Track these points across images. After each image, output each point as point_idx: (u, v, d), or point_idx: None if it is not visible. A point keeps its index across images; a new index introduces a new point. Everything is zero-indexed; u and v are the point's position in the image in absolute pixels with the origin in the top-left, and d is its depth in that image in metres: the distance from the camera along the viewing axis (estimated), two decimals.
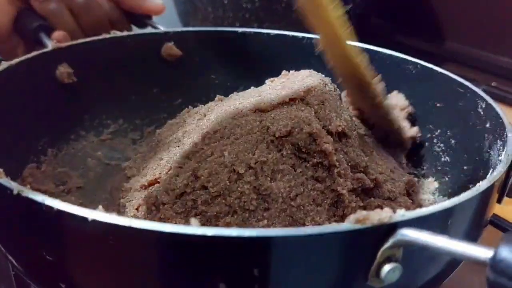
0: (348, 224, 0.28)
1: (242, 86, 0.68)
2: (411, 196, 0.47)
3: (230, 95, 0.54)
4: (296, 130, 0.42)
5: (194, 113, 0.51)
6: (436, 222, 0.31)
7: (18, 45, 0.64)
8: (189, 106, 0.56)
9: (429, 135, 0.57)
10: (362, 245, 0.29)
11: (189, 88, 0.67)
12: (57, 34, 0.60)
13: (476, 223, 0.36)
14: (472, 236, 0.37)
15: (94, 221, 0.28)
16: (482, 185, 0.33)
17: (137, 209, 0.42)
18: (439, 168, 0.55)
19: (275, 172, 0.40)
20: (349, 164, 0.43)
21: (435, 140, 0.56)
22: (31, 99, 0.54)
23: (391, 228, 0.28)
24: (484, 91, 0.89)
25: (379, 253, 0.29)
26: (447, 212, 0.31)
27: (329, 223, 0.39)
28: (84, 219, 0.28)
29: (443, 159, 0.54)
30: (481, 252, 0.26)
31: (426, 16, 1.05)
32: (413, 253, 0.30)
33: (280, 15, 0.85)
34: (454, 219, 0.32)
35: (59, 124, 0.57)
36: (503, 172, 0.36)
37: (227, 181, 0.39)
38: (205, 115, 0.48)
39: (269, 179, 0.39)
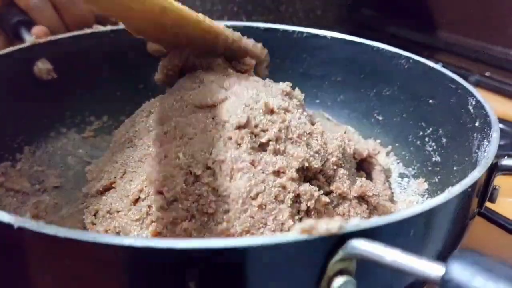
0: (293, 235, 0.26)
1: None
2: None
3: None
4: (254, 107, 0.41)
5: (141, 110, 0.50)
6: (395, 233, 0.28)
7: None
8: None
9: (421, 133, 0.54)
10: (309, 257, 0.26)
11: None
12: (37, 29, 0.59)
13: (448, 233, 0.33)
14: (445, 247, 0.34)
15: (20, 228, 0.26)
16: (452, 191, 0.31)
17: (94, 215, 0.40)
18: (429, 168, 0.52)
19: (234, 171, 0.38)
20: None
21: (426, 139, 0.53)
22: (7, 96, 0.53)
23: (341, 239, 0.26)
24: (478, 81, 0.87)
25: (329, 266, 0.26)
26: (407, 222, 0.28)
27: (293, 221, 0.37)
28: (10, 226, 0.26)
29: (434, 159, 0.52)
30: (432, 269, 0.23)
31: (418, 6, 1.02)
32: (368, 266, 0.27)
33: (269, 9, 0.83)
34: (419, 229, 0.29)
35: (38, 121, 0.56)
36: (479, 177, 0.33)
37: (184, 184, 0.37)
38: (150, 112, 0.46)
39: (228, 178, 0.37)
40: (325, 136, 0.44)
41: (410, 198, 0.51)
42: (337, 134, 0.46)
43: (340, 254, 0.26)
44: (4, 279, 0.29)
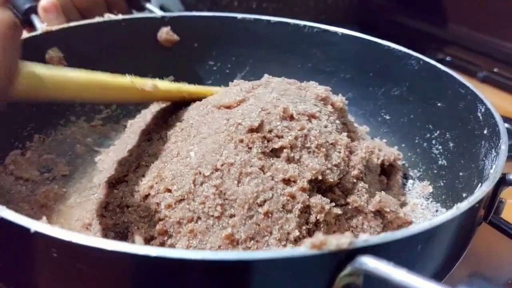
0: (303, 249, 0.26)
1: (241, 73, 0.66)
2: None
3: None
4: (272, 112, 0.41)
5: (162, 103, 0.50)
6: (404, 248, 0.29)
7: None
8: None
9: (428, 135, 0.54)
10: (317, 271, 0.27)
11: (184, 74, 0.65)
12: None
13: (454, 244, 0.33)
14: (451, 257, 0.34)
15: (36, 233, 0.26)
16: (460, 207, 0.31)
17: (105, 208, 0.40)
18: (435, 171, 0.52)
19: (242, 175, 0.38)
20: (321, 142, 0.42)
21: (433, 142, 0.53)
22: None
23: (350, 254, 0.26)
24: (486, 77, 0.87)
25: (337, 280, 0.27)
26: (415, 238, 0.29)
27: (299, 231, 0.37)
28: (27, 229, 0.26)
29: (440, 162, 0.52)
30: None
31: None
32: (376, 282, 0.28)
33: None
34: (426, 244, 0.30)
35: (48, 109, 0.56)
36: (487, 191, 0.34)
37: (192, 184, 0.37)
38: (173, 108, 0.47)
39: (236, 182, 0.37)
40: (351, 147, 0.44)
41: (414, 201, 0.51)
42: (363, 144, 0.46)
43: (348, 269, 0.26)
44: (17, 280, 0.30)
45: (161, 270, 0.26)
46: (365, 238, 0.27)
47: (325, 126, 0.43)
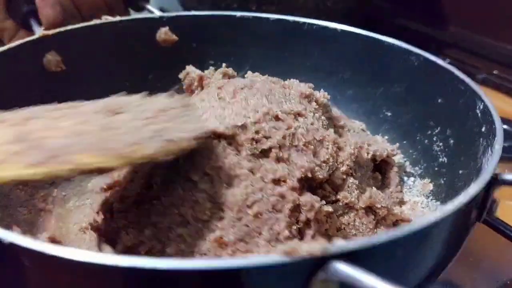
0: (274, 256, 0.26)
1: (240, 73, 0.66)
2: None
3: None
4: (257, 113, 0.41)
5: None
6: (383, 254, 0.28)
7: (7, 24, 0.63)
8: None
9: (429, 132, 0.53)
10: (291, 278, 0.26)
11: None
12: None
13: (443, 249, 0.32)
14: (440, 263, 0.33)
15: (10, 244, 0.26)
16: (444, 210, 0.30)
17: (97, 213, 0.41)
18: (436, 169, 0.51)
19: (232, 178, 0.37)
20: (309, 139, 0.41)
21: (434, 138, 0.52)
22: (15, 88, 0.53)
23: (322, 261, 0.26)
24: (485, 79, 0.85)
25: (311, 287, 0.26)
26: (394, 244, 0.28)
27: (289, 231, 0.36)
28: (1, 241, 0.27)
29: (440, 159, 0.51)
30: None
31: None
32: None
33: None
34: (407, 250, 0.29)
35: None
36: (476, 194, 0.32)
37: (181, 190, 0.37)
38: None
39: (225, 185, 0.37)
40: (338, 143, 0.43)
41: (415, 199, 0.50)
42: (351, 140, 0.45)
43: (322, 275, 0.26)
44: None
45: (133, 280, 0.26)
46: (339, 244, 0.26)
47: (312, 123, 0.43)
